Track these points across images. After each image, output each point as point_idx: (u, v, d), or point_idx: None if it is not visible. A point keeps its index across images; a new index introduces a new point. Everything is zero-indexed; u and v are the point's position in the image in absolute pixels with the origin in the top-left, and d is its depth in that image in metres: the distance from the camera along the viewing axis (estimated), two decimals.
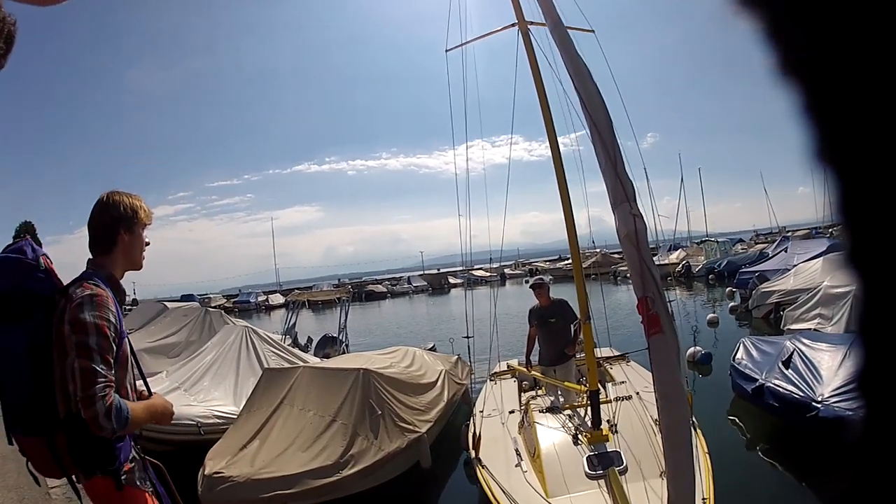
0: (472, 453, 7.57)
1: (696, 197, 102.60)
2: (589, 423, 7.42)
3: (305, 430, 8.10)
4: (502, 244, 10.24)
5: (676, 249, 54.17)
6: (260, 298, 73.52)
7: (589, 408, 7.57)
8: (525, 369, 10.05)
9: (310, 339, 20.55)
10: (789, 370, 9.22)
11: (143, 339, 15.72)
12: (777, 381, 9.22)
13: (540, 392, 9.83)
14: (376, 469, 7.64)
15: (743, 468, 8.59)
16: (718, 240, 54.23)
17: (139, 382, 3.10)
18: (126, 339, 2.85)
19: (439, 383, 10.88)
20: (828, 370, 8.58)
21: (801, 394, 8.52)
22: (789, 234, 57.29)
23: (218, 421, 9.85)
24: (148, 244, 3.09)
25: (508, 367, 11.52)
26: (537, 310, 9.37)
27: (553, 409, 8.07)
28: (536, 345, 9.59)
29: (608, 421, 7.31)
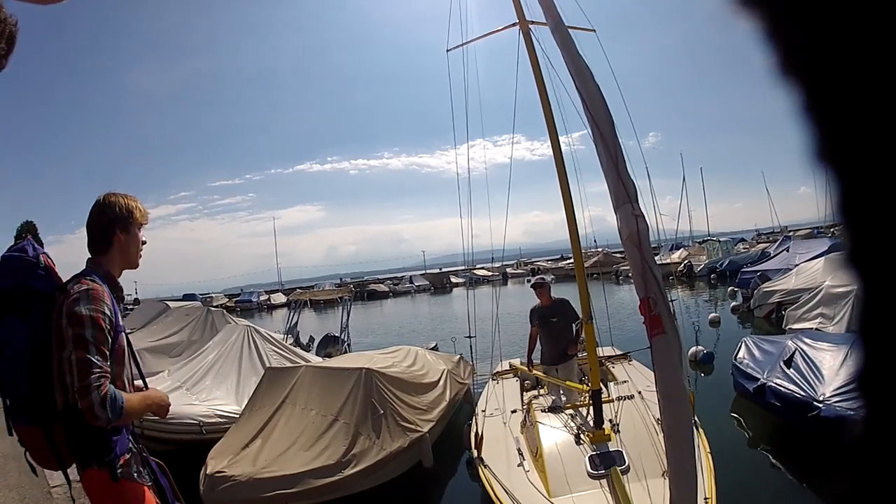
0: (475, 453, 7.57)
1: (698, 196, 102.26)
2: (591, 423, 7.43)
3: (307, 430, 8.10)
4: (504, 244, 10.25)
5: (678, 249, 54.18)
6: (262, 298, 73.49)
7: (591, 407, 7.57)
8: (527, 369, 10.04)
9: (312, 339, 20.53)
10: (791, 370, 9.22)
11: (145, 339, 15.72)
12: (779, 381, 9.22)
13: (542, 391, 9.83)
14: (378, 468, 7.64)
15: (744, 467, 8.58)
16: (720, 239, 54.20)
17: (137, 380, 3.17)
18: (122, 334, 2.92)
19: (441, 383, 10.88)
20: (829, 370, 8.58)
21: (802, 393, 8.51)
22: (791, 233, 57.25)
23: (220, 420, 9.85)
24: (144, 243, 3.18)
25: (511, 366, 11.51)
26: (539, 309, 9.36)
27: (555, 409, 8.07)
28: (538, 344, 9.59)
29: (610, 420, 7.31)
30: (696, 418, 6.13)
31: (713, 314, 22.16)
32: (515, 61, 8.90)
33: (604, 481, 6.19)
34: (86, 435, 2.71)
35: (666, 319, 4.29)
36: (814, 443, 7.62)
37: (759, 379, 9.76)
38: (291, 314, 20.90)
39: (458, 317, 29.52)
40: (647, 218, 4.70)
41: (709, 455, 6.47)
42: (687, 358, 13.03)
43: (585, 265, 8.96)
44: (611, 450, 6.68)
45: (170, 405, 3.16)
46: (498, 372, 11.41)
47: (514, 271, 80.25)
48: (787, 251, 27.60)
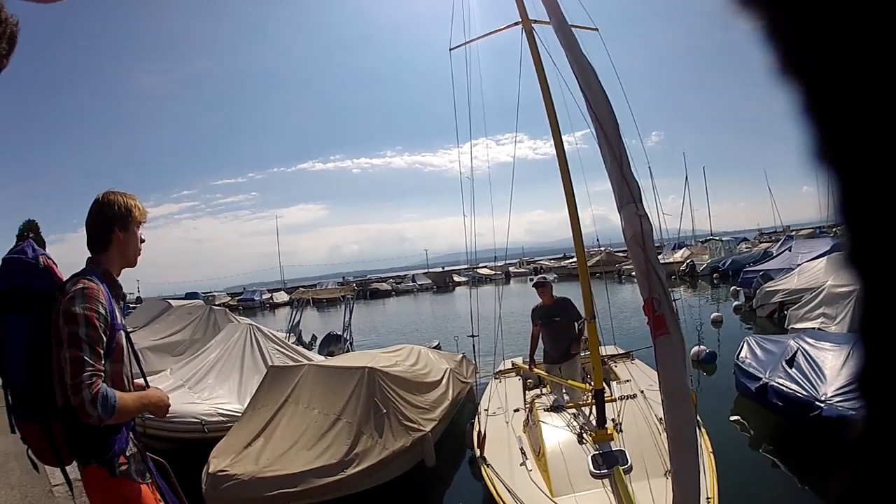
0: (477, 452, 7.57)
1: (701, 196, 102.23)
2: (594, 422, 7.43)
3: (310, 429, 8.10)
4: (507, 242, 10.23)
5: (681, 248, 54.25)
6: (264, 296, 73.51)
7: (594, 406, 7.56)
8: (529, 367, 10.04)
9: (314, 337, 20.51)
10: (793, 369, 9.22)
11: (148, 337, 15.74)
12: (781, 381, 9.22)
13: (545, 390, 9.83)
14: (381, 468, 7.65)
15: (746, 467, 8.58)
16: (723, 238, 54.06)
17: (139, 378, 3.21)
18: (121, 333, 2.94)
19: (444, 382, 10.88)
20: (831, 369, 8.58)
21: (804, 393, 8.51)
22: (793, 233, 57.14)
23: (222, 419, 9.85)
24: (143, 241, 3.20)
25: (513, 365, 11.52)
26: (540, 308, 9.37)
27: (558, 408, 8.07)
28: (541, 343, 9.59)
29: (613, 420, 7.31)
30: (698, 418, 6.13)
31: (715, 313, 22.13)
32: (518, 60, 8.90)
33: (606, 481, 6.19)
34: (85, 432, 2.74)
35: (669, 320, 4.28)
36: (815, 442, 7.63)
37: (761, 378, 9.76)
38: (294, 313, 20.88)
39: (460, 315, 29.54)
40: (650, 217, 4.69)
41: (711, 455, 6.47)
42: (689, 357, 13.03)
43: (588, 264, 8.96)
44: (613, 449, 6.68)
45: (169, 405, 3.18)
46: (500, 371, 11.42)
47: (516, 270, 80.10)
48: (790, 251, 27.54)
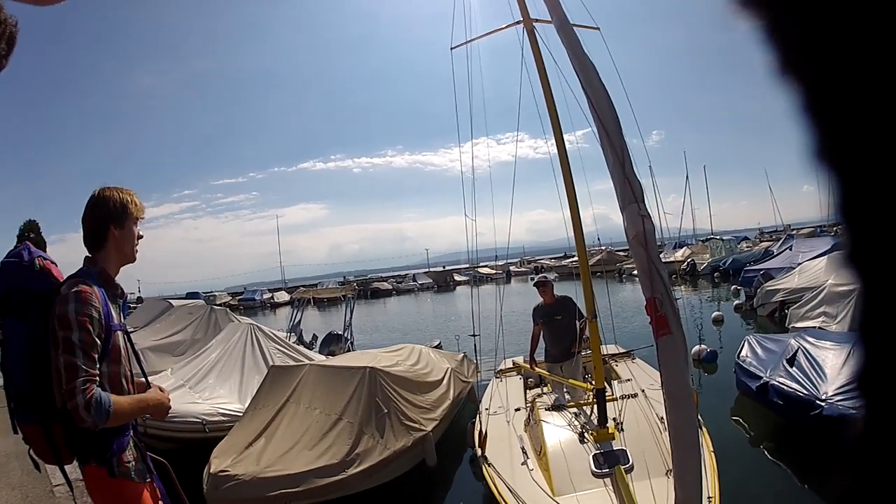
0: (479, 451, 7.57)
1: (702, 195, 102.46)
2: (595, 421, 7.42)
3: (311, 429, 8.11)
4: (508, 241, 10.22)
5: (681, 247, 54.26)
6: (265, 296, 73.56)
7: (595, 406, 7.56)
8: (530, 366, 10.05)
9: (315, 337, 20.51)
10: (793, 368, 9.22)
11: (148, 337, 15.74)
12: (781, 379, 9.22)
13: (546, 390, 9.83)
14: (382, 468, 7.65)
15: (747, 466, 8.58)
16: (723, 238, 54.12)
17: (141, 378, 3.20)
18: (118, 334, 2.93)
19: (445, 381, 10.89)
20: (832, 368, 8.58)
21: (805, 392, 8.51)
22: (794, 232, 57.23)
23: (223, 419, 9.86)
24: (141, 237, 3.16)
25: (514, 364, 11.52)
26: (542, 307, 9.37)
27: (559, 407, 8.07)
28: (542, 342, 9.59)
29: (614, 419, 7.31)
30: (699, 417, 6.13)
31: (716, 313, 22.09)
32: (518, 60, 8.89)
33: (608, 480, 6.19)
34: (84, 433, 2.73)
35: (672, 320, 4.28)
36: (816, 441, 7.62)
37: (761, 377, 9.76)
38: (295, 312, 20.87)
39: (461, 315, 29.61)
40: (651, 217, 4.69)
41: (712, 454, 6.47)
42: (690, 357, 13.05)
43: (589, 263, 8.96)
44: (615, 448, 6.67)
45: (169, 407, 3.17)
46: (501, 370, 11.42)
47: (517, 269, 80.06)
48: (790, 250, 27.53)
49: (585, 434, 7.08)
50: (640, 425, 7.17)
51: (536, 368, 9.79)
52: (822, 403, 7.96)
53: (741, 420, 10.44)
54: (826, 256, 19.45)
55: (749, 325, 20.18)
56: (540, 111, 8.47)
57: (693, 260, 47.07)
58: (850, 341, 8.92)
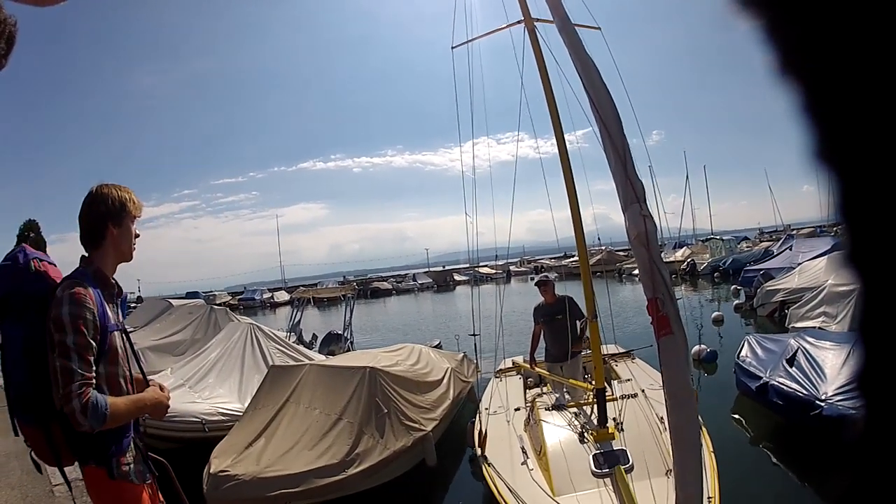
0: (478, 451, 7.57)
1: (702, 195, 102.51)
2: (595, 421, 7.42)
3: (311, 429, 8.11)
4: (509, 241, 10.22)
5: (681, 247, 54.26)
6: (265, 296, 73.57)
7: (595, 405, 7.56)
8: (530, 366, 10.05)
9: (315, 336, 20.52)
10: (793, 368, 9.22)
11: (148, 337, 15.76)
12: (781, 380, 9.23)
13: (545, 389, 9.83)
14: (382, 468, 7.65)
15: (747, 466, 8.58)
16: (723, 238, 54.12)
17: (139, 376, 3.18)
18: (115, 334, 2.91)
19: (445, 381, 10.89)
20: (832, 368, 8.58)
21: (804, 392, 8.52)
22: (794, 232, 57.26)
23: (222, 418, 9.86)
24: (138, 236, 3.13)
25: (514, 363, 11.53)
26: (543, 307, 9.37)
27: (559, 407, 8.07)
28: (542, 342, 9.59)
29: (614, 419, 7.31)
30: (699, 417, 6.13)
31: (716, 313, 22.09)
32: (518, 60, 8.88)
33: (608, 480, 6.19)
34: (83, 434, 2.71)
35: (673, 320, 4.27)
36: (816, 441, 7.62)
37: (761, 377, 9.77)
38: (294, 312, 20.89)
39: (461, 315, 29.61)
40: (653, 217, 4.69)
41: (712, 454, 6.47)
42: (690, 357, 13.05)
43: (589, 263, 8.95)
44: (615, 448, 6.67)
45: (168, 406, 3.15)
46: (501, 369, 11.43)
47: (517, 269, 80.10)
48: (790, 250, 27.54)
49: (585, 434, 7.08)
50: (640, 425, 7.17)
51: (536, 368, 9.79)
52: (822, 403, 7.96)
53: (741, 420, 10.45)
54: (826, 256, 19.46)
55: (749, 325, 20.19)
56: (540, 111, 8.47)
57: (693, 260, 47.08)
58: (849, 341, 8.92)
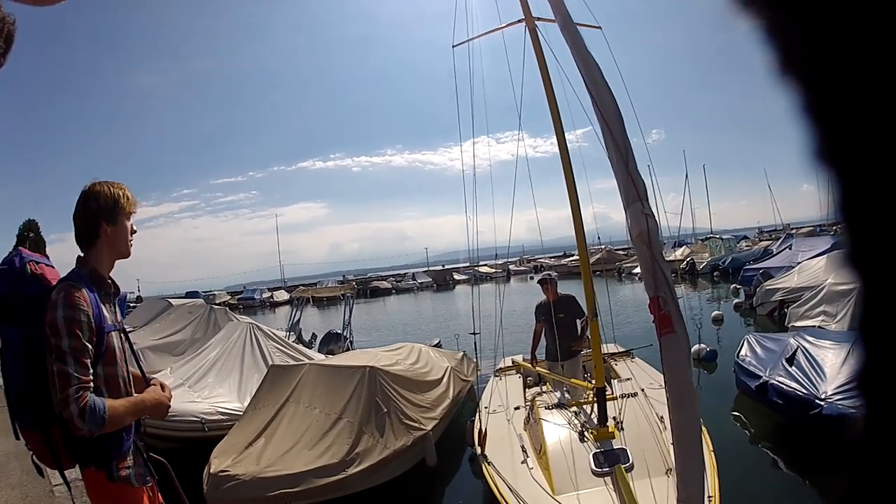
0: (478, 450, 7.57)
1: (701, 194, 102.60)
2: (595, 420, 7.42)
3: (311, 428, 8.11)
4: (509, 240, 10.21)
5: (681, 246, 54.31)
6: (264, 295, 73.65)
7: (595, 404, 7.57)
8: (530, 365, 10.05)
9: (314, 336, 20.54)
10: (793, 367, 9.23)
11: (148, 337, 15.79)
12: (781, 379, 9.23)
13: (545, 388, 9.83)
14: (382, 467, 7.65)
15: (746, 465, 8.58)
16: (723, 237, 54.17)
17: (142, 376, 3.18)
18: (113, 334, 2.89)
19: (445, 380, 10.89)
20: (831, 367, 8.58)
21: (804, 391, 8.52)
22: (793, 231, 57.17)
23: (222, 417, 9.87)
24: (134, 232, 3.10)
25: (513, 362, 11.54)
26: (544, 305, 9.36)
27: (559, 406, 8.07)
28: (543, 340, 9.59)
29: (614, 418, 7.31)
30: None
31: (716, 312, 22.11)
32: (517, 59, 8.88)
33: (608, 479, 6.19)
34: (83, 438, 2.69)
35: (675, 318, 4.27)
36: (816, 441, 7.63)
37: (761, 377, 9.77)
38: (294, 311, 20.90)
39: (461, 314, 29.61)
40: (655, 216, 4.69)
41: (712, 453, 6.47)
42: (691, 355, 13.02)
43: (589, 262, 8.95)
44: (615, 447, 6.67)
45: (169, 406, 3.13)
46: (501, 368, 11.43)
47: (516, 268, 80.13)
48: (790, 249, 27.58)
49: (585, 433, 7.08)
50: (639, 424, 7.17)
51: (537, 367, 9.79)
52: (822, 403, 7.97)
53: (741, 419, 10.46)
54: (826, 255, 19.47)
55: (748, 325, 20.21)
56: (540, 111, 8.47)
57: (692, 259, 47.14)
58: (849, 340, 8.92)
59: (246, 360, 12.19)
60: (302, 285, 60.94)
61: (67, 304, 2.70)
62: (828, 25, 0.42)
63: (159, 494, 3.12)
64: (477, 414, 8.76)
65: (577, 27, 5.74)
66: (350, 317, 19.92)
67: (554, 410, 7.93)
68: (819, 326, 13.28)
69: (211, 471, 7.22)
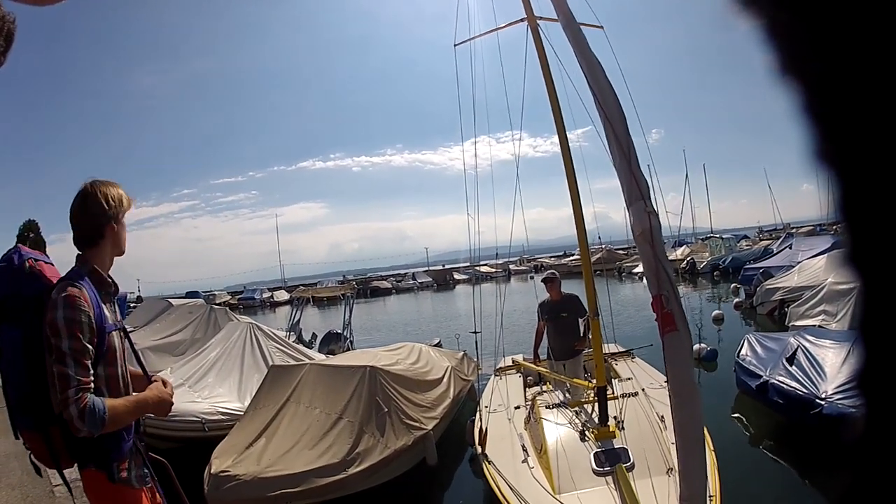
0: (478, 449, 7.57)
1: (701, 193, 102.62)
2: (596, 420, 7.43)
3: (312, 428, 8.11)
4: (511, 240, 10.22)
5: (681, 246, 54.32)
6: (265, 295, 73.64)
7: (595, 404, 7.57)
8: (533, 364, 10.06)
9: (314, 336, 20.53)
10: (793, 367, 9.22)
11: (148, 337, 15.77)
12: (781, 378, 9.22)
13: (545, 387, 9.83)
14: (382, 467, 7.65)
15: (747, 465, 8.58)
16: (723, 236, 54.18)
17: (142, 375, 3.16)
18: (113, 334, 2.88)
19: (445, 380, 10.89)
20: (832, 367, 8.58)
21: (804, 391, 8.52)
22: (794, 230, 57.21)
23: (222, 417, 9.88)
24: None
25: (514, 362, 11.54)
26: (548, 304, 9.37)
27: (559, 405, 8.07)
28: (545, 339, 9.60)
29: (615, 417, 7.31)
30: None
31: (716, 311, 22.09)
32: (517, 59, 8.91)
33: (609, 478, 6.19)
34: (83, 438, 2.67)
35: (678, 316, 4.29)
36: (816, 440, 7.63)
37: (761, 376, 9.77)
38: (294, 311, 20.90)
39: (461, 313, 29.63)
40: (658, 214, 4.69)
41: (712, 452, 6.47)
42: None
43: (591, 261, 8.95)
44: (616, 447, 6.68)
45: (171, 403, 3.11)
46: (501, 368, 11.43)
47: (517, 268, 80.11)
48: (790, 248, 27.59)
49: (586, 432, 7.08)
50: (640, 424, 7.17)
51: (538, 366, 9.79)
52: (822, 402, 7.97)
53: (741, 419, 10.45)
54: (826, 255, 19.47)
55: (749, 324, 20.20)
56: (540, 110, 8.48)
57: (693, 258, 47.19)
58: (849, 340, 8.91)
59: (246, 360, 12.19)
60: (302, 285, 60.98)
61: (68, 304, 2.68)
62: (828, 25, 0.42)
63: (159, 495, 3.12)
64: (477, 413, 8.76)
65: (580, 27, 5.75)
66: (350, 317, 19.92)
67: (554, 410, 7.93)
68: (819, 326, 13.28)
69: (212, 471, 7.22)
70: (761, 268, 25.01)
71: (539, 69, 8.30)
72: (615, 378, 9.55)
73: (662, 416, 7.06)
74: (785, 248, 29.55)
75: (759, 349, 10.81)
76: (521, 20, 8.64)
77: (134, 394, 2.98)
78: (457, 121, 9.87)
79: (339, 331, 19.53)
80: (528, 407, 8.64)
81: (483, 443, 7.54)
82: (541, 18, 8.32)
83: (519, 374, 11.01)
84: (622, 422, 7.17)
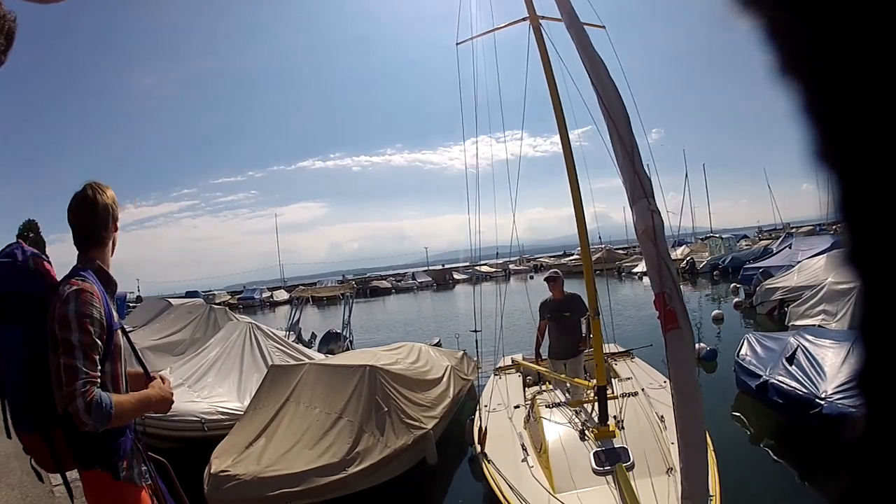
0: (478, 448, 7.57)
1: (701, 193, 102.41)
2: (596, 419, 7.42)
3: (311, 428, 8.11)
4: (511, 240, 10.22)
5: (681, 245, 54.30)
6: (264, 295, 73.73)
7: (595, 403, 7.57)
8: (534, 363, 10.07)
9: (314, 335, 20.53)
10: (793, 367, 9.22)
11: (148, 337, 15.74)
12: (781, 378, 9.22)
13: (545, 387, 9.83)
14: (382, 466, 7.65)
15: (747, 464, 8.58)
16: (723, 236, 54.21)
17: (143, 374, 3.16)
18: (119, 331, 2.89)
19: (445, 379, 10.89)
20: (831, 367, 8.57)
21: (804, 390, 8.51)
22: (793, 230, 57.23)
23: (222, 417, 9.88)
24: None
25: (513, 361, 11.54)
26: (550, 303, 9.37)
27: (559, 405, 8.07)
28: (546, 338, 9.60)
29: (614, 417, 7.31)
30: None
31: (716, 311, 22.11)
32: (517, 59, 8.92)
33: (609, 478, 6.19)
34: (88, 437, 2.67)
35: (681, 314, 4.29)
36: (816, 440, 7.63)
37: (761, 376, 9.77)
38: (294, 311, 20.91)
39: (460, 313, 29.62)
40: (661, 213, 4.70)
41: (712, 452, 6.47)
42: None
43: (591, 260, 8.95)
44: (616, 446, 6.68)
45: (172, 400, 3.13)
46: (500, 367, 11.43)
47: (516, 268, 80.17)
48: (790, 248, 27.62)
49: (586, 431, 7.08)
50: (640, 423, 7.17)
51: (539, 365, 9.80)
52: (822, 402, 7.96)
53: (741, 419, 10.45)
54: (825, 254, 19.47)
55: (748, 324, 20.20)
56: (540, 110, 8.49)
57: (692, 258, 47.14)
58: (849, 339, 8.91)
59: (246, 359, 12.20)
60: (302, 285, 60.93)
61: (80, 299, 2.69)
62: (829, 25, 0.42)
63: (161, 492, 3.12)
64: (477, 413, 8.76)
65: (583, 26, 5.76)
66: (350, 316, 19.93)
67: (554, 409, 7.93)
68: (819, 325, 13.29)
69: (211, 471, 7.22)
70: (761, 267, 25.03)
71: (540, 68, 8.31)
72: (615, 378, 9.55)
73: (662, 416, 7.07)
74: (785, 247, 29.58)
75: (758, 349, 10.81)
76: (524, 19, 8.65)
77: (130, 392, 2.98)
78: (456, 121, 9.88)
79: (339, 330, 19.55)
80: (527, 406, 8.64)
81: (483, 442, 7.54)
82: (543, 18, 8.32)
83: (518, 374, 11.01)
84: (622, 421, 7.17)
